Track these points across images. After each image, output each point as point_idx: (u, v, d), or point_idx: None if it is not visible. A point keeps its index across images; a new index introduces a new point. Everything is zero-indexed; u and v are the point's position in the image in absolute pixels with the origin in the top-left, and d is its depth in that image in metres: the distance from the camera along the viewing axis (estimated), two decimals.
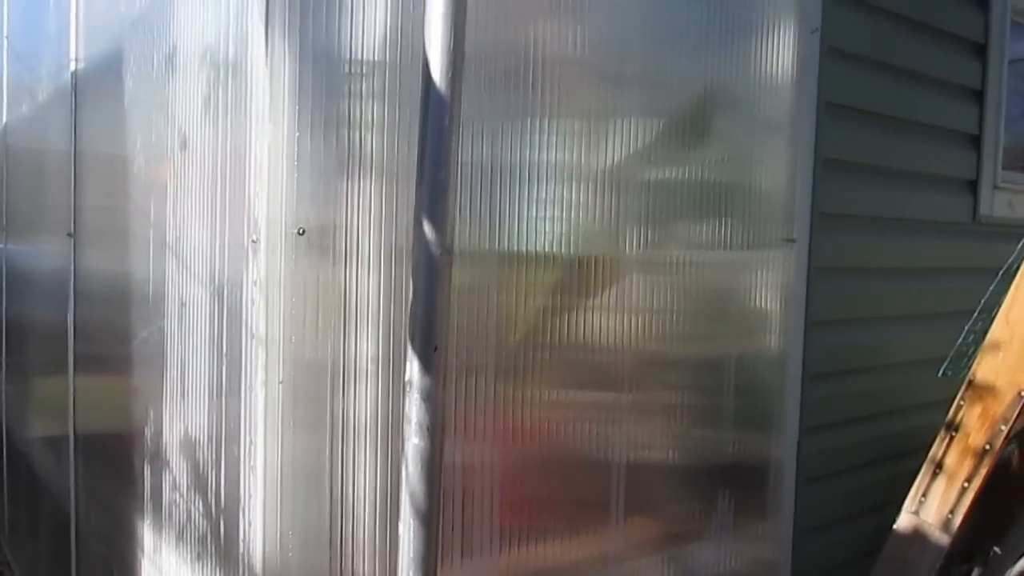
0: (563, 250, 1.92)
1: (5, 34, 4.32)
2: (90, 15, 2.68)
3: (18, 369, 4.21)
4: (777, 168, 2.45)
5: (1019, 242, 2.68)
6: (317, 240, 1.52)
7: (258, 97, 1.51)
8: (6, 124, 4.36)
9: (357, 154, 1.58)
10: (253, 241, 1.52)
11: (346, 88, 1.58)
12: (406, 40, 1.61)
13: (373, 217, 1.57)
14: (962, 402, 2.51)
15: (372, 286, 1.57)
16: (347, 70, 1.59)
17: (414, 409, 1.48)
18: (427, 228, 1.48)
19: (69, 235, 2.85)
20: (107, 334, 2.62)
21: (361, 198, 1.57)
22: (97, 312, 2.73)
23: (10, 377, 4.38)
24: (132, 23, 2.23)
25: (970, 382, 2.52)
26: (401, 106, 1.61)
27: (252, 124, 1.52)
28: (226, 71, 1.66)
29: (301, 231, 1.51)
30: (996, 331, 2.51)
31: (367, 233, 1.56)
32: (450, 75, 1.46)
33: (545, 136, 1.87)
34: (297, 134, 1.49)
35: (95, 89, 2.63)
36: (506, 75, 1.80)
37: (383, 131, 1.60)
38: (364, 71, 1.64)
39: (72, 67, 2.81)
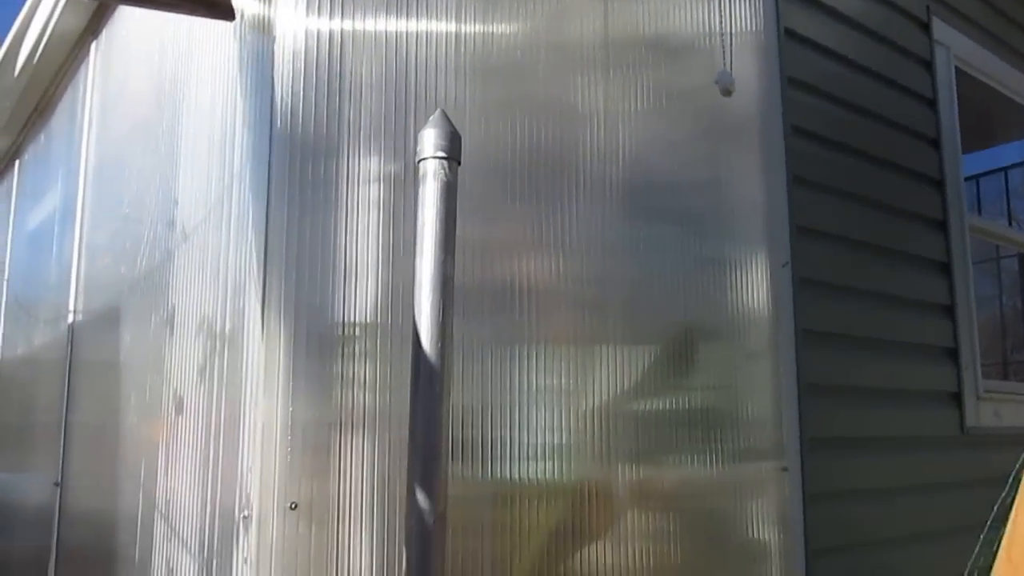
0: (555, 481, 1.90)
1: (6, 277, 4.46)
2: (91, 271, 2.78)
3: None
4: (763, 397, 2.49)
5: (1012, 450, 2.66)
6: (309, 513, 1.51)
7: (253, 374, 1.55)
8: (1, 359, 4.41)
9: (350, 415, 1.60)
10: (244, 516, 1.51)
11: (339, 350, 1.63)
12: (396, 299, 1.69)
13: (366, 484, 1.57)
14: None
15: (365, 558, 1.55)
16: (340, 332, 1.65)
17: None
18: (420, 496, 1.48)
19: (56, 484, 2.81)
20: None
21: (354, 466, 1.57)
22: (79, 570, 2.64)
23: None
24: (131, 284, 2.32)
25: None
26: (393, 364, 1.65)
27: (247, 398, 1.56)
28: (223, 343, 1.71)
29: (293, 505, 1.50)
30: (998, 570, 2.42)
31: (359, 503, 1.56)
32: (439, 346, 1.51)
33: (533, 363, 1.92)
34: (291, 408, 1.52)
35: (91, 343, 2.69)
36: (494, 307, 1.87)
37: (375, 390, 1.64)
38: (357, 333, 1.70)
39: (70, 319, 2.88)
